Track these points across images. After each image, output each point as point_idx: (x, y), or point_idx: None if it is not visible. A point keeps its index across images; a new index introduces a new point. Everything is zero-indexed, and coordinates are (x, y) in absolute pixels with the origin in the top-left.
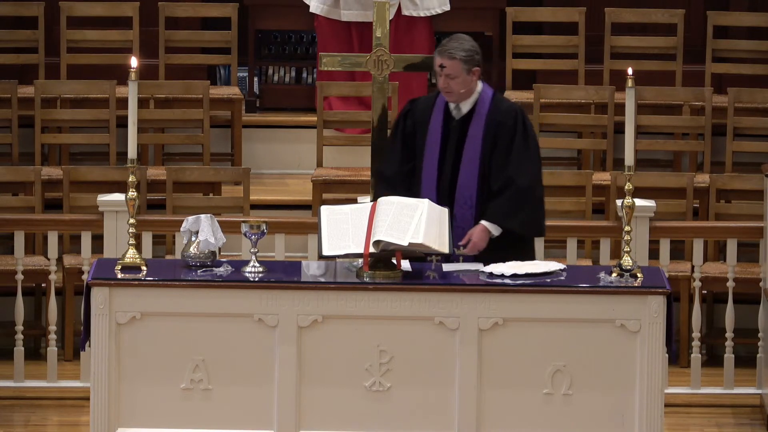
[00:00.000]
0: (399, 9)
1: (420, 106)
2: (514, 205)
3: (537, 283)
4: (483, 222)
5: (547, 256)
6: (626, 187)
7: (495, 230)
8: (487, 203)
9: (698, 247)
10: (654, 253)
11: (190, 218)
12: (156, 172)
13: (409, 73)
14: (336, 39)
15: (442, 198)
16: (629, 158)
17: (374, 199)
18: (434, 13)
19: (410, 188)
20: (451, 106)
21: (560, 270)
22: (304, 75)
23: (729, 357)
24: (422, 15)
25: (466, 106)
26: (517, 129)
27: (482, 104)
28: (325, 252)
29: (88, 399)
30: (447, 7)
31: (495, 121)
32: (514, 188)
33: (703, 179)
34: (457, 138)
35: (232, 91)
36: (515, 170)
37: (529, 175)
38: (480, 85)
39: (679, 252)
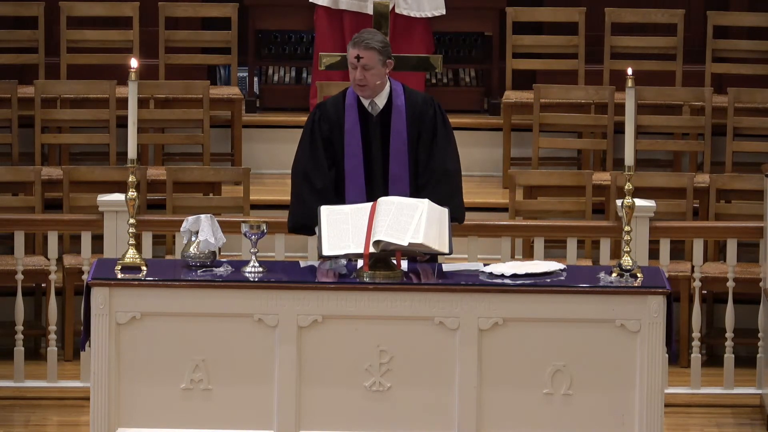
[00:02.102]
0: (394, 8)
1: (330, 108)
2: (447, 190)
3: (537, 283)
4: None
5: (547, 256)
6: (626, 187)
7: None
8: (418, 196)
9: (698, 247)
10: (654, 253)
11: (190, 218)
12: (156, 172)
13: (407, 73)
14: (330, 29)
15: (375, 193)
16: (629, 158)
17: (301, 207)
18: (426, 16)
19: (338, 196)
20: (365, 102)
21: (560, 270)
22: (304, 75)
23: (729, 357)
24: (413, 15)
25: (381, 101)
26: (437, 119)
27: (397, 97)
28: (325, 252)
29: (88, 399)
30: (440, 12)
31: (416, 112)
32: (445, 174)
33: (703, 179)
34: (380, 133)
35: (232, 91)
36: (442, 158)
37: (454, 161)
38: (388, 80)
39: (679, 252)
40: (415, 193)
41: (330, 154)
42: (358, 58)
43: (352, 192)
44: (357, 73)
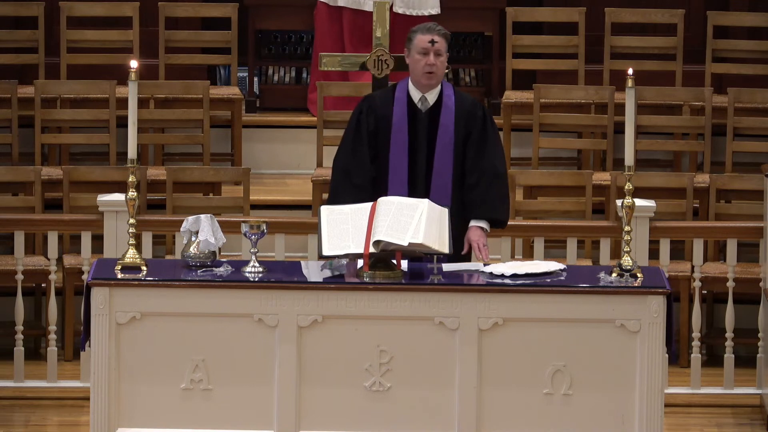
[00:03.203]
0: (392, 6)
1: (379, 101)
2: (500, 192)
3: (537, 283)
4: (475, 223)
5: (547, 256)
6: (626, 187)
7: (487, 225)
8: (468, 196)
9: (698, 247)
10: (654, 253)
11: (190, 218)
12: (156, 172)
13: (407, 73)
14: (330, 26)
15: (417, 188)
16: (629, 158)
17: (335, 201)
18: (422, 14)
19: (377, 192)
20: (416, 98)
21: (560, 270)
22: (304, 75)
23: (729, 357)
24: (409, 13)
25: (432, 97)
26: (487, 121)
27: (447, 96)
28: (325, 252)
29: (88, 399)
30: (435, 11)
31: (465, 112)
32: (498, 176)
33: (703, 179)
34: (428, 128)
35: (232, 91)
36: (492, 159)
37: (503, 164)
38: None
39: (679, 252)
40: (460, 191)
41: (373, 147)
42: (432, 42)
43: (394, 185)
44: (430, 59)
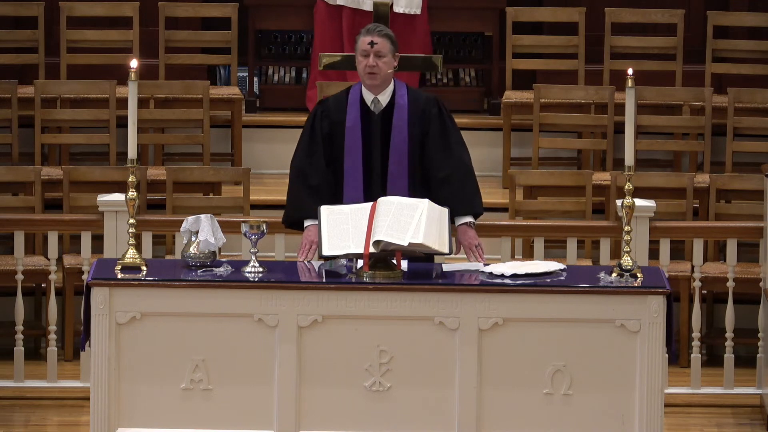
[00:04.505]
0: (392, 6)
1: (332, 105)
2: (473, 184)
3: (537, 283)
4: (462, 220)
5: (547, 256)
6: (626, 187)
7: (473, 219)
8: (443, 193)
9: (698, 247)
10: (654, 253)
11: (190, 218)
12: (156, 172)
13: (402, 72)
14: (330, 25)
15: (373, 190)
16: (629, 158)
17: (293, 204)
18: (405, 12)
19: (334, 194)
20: (368, 100)
21: (560, 270)
22: (304, 75)
23: (729, 357)
24: (399, 11)
25: (384, 98)
26: (444, 115)
27: (400, 96)
28: (325, 252)
29: (88, 399)
30: (416, 11)
31: (419, 110)
32: (468, 170)
33: (703, 179)
34: (381, 130)
35: (232, 91)
36: (460, 154)
37: (469, 155)
38: (393, 79)
39: (679, 252)
40: (418, 190)
41: (329, 151)
42: (372, 44)
43: (350, 188)
44: (370, 60)
